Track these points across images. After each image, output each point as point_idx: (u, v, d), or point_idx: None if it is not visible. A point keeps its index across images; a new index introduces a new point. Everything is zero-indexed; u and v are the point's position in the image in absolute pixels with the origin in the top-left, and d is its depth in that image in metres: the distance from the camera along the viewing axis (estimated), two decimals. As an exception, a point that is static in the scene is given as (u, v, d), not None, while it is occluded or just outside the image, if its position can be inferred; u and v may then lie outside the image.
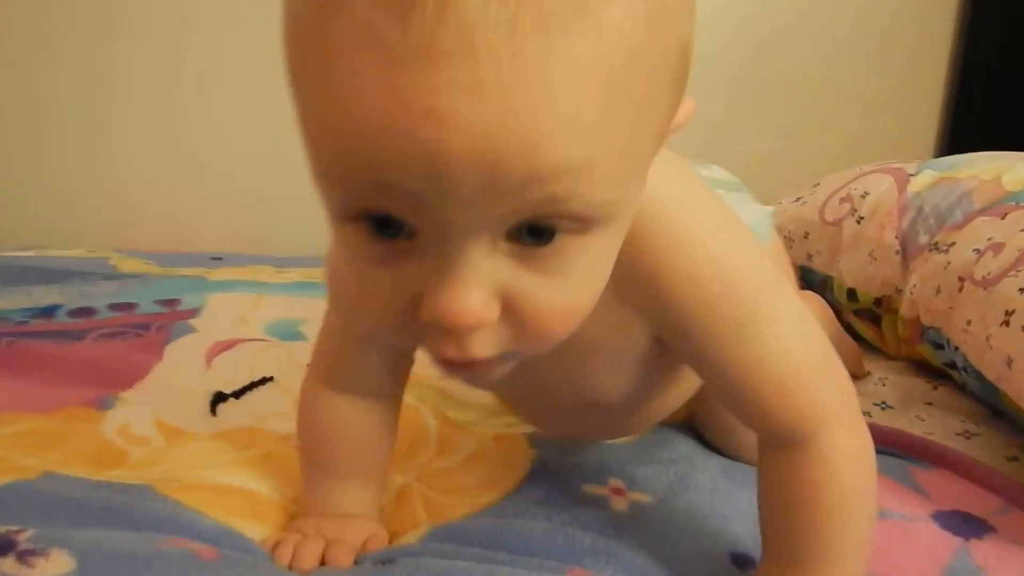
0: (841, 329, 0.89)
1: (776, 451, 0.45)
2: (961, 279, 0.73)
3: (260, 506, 0.56)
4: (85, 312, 0.88)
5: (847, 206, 0.96)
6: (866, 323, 0.93)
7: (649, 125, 0.32)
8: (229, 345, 0.82)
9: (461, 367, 0.35)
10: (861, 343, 0.93)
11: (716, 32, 1.31)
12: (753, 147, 1.37)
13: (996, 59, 1.30)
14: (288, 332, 0.87)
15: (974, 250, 0.73)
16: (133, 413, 0.66)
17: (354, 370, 0.55)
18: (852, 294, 0.93)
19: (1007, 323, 0.64)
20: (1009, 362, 0.63)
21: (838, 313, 0.97)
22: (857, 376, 0.85)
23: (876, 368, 0.88)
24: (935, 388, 0.82)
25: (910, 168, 0.95)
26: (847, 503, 0.44)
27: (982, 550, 0.55)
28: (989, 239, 0.73)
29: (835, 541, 0.45)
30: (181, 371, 0.75)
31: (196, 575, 0.44)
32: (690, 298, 0.41)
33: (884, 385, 0.83)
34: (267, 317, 0.91)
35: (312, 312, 0.93)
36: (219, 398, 0.70)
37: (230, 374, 0.75)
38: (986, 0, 1.27)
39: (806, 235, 1.02)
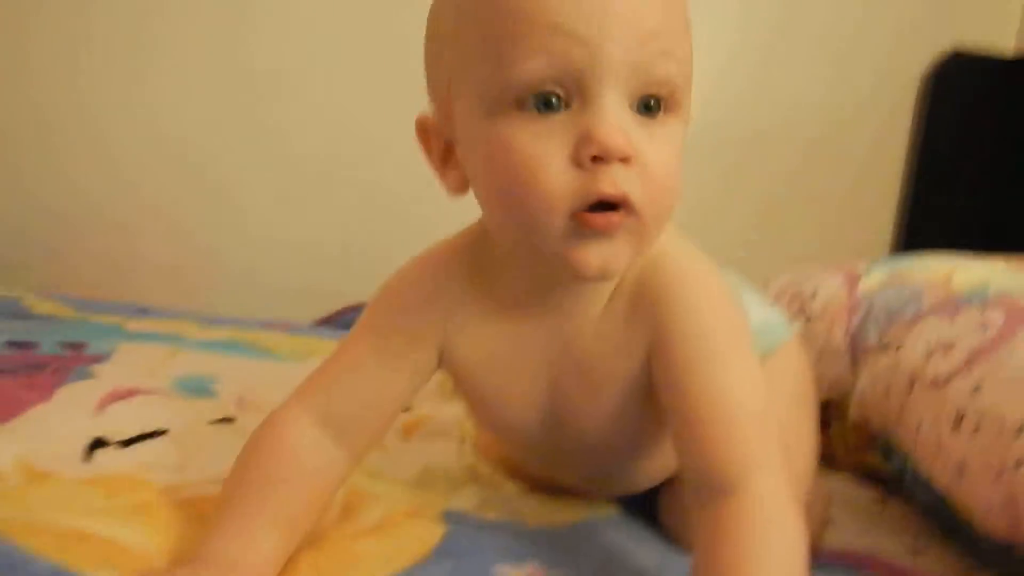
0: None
1: (708, 501, 0.48)
2: (911, 380, 0.70)
3: (118, 555, 0.49)
4: (-23, 348, 0.81)
5: (797, 304, 0.94)
6: (814, 427, 0.89)
7: (690, 52, 0.47)
8: (127, 394, 0.75)
9: (607, 222, 0.44)
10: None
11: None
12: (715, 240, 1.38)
13: (951, 164, 1.32)
14: (198, 387, 0.80)
15: (925, 350, 0.70)
16: (-6, 449, 0.58)
17: (351, 395, 0.54)
18: (800, 396, 0.89)
19: (958, 427, 0.60)
20: (961, 468, 0.59)
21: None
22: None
23: (824, 480, 0.83)
24: (884, 502, 0.77)
25: (860, 267, 0.93)
26: (766, 549, 0.45)
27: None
28: (939, 339, 0.70)
29: None
30: (64, 413, 0.68)
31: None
32: (679, 321, 0.50)
33: (831, 499, 0.78)
34: (179, 371, 0.84)
35: (232, 371, 0.87)
36: (98, 444, 0.63)
37: (120, 423, 0.68)
38: (941, 105, 1.29)
39: (756, 334, 0.99)
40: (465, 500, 0.65)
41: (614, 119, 0.43)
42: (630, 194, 0.44)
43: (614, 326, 0.52)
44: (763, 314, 0.69)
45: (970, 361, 0.64)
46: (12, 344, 0.83)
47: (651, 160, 0.44)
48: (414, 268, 0.56)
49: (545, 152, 0.43)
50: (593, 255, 0.45)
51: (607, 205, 0.44)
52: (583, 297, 0.52)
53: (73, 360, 0.82)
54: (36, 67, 1.30)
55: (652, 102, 0.45)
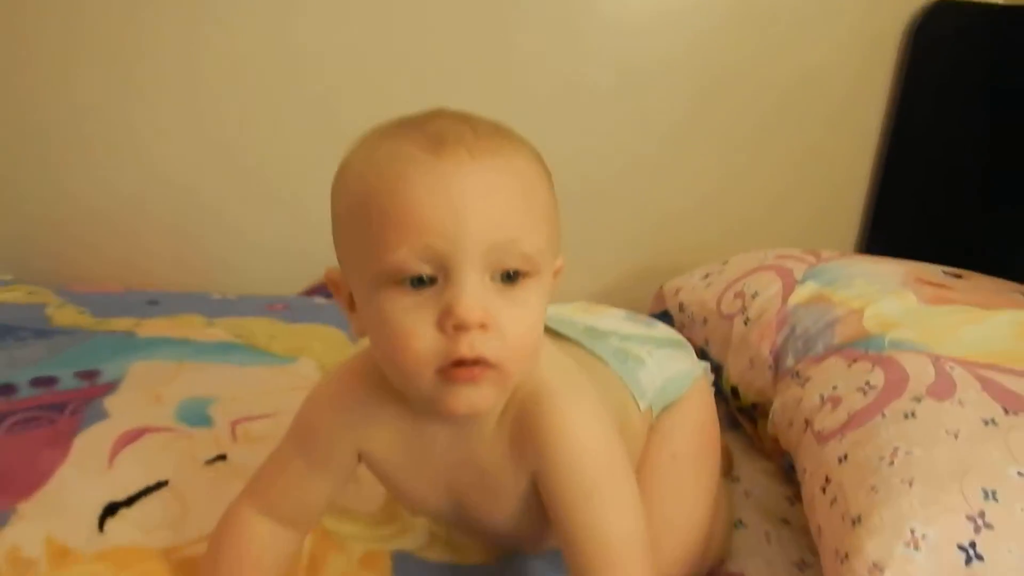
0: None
1: None
2: (807, 422, 0.78)
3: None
4: (7, 390, 0.94)
5: (739, 303, 1.01)
6: (746, 420, 0.99)
7: (549, 229, 0.56)
8: (135, 436, 0.88)
9: (469, 375, 0.52)
10: (742, 435, 1.00)
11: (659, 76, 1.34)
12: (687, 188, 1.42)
13: (932, 119, 1.31)
14: (197, 416, 0.93)
15: (820, 396, 0.78)
16: (26, 531, 0.72)
17: (289, 503, 0.66)
18: (735, 391, 0.98)
19: (824, 490, 0.69)
20: (819, 532, 0.68)
21: (726, 403, 1.03)
22: (726, 474, 0.91)
23: (747, 472, 0.94)
24: (792, 504, 0.87)
25: (798, 272, 0.99)
26: None
27: None
28: (834, 388, 0.77)
29: None
30: (82, 473, 0.81)
31: None
32: (557, 454, 0.58)
33: (748, 497, 0.89)
34: (180, 394, 0.97)
35: (225, 388, 1.00)
36: (109, 511, 0.76)
37: (128, 476, 0.81)
38: (925, 56, 1.27)
39: (705, 321, 1.06)
40: (413, 540, 0.77)
41: (471, 295, 0.51)
42: (486, 354, 0.52)
43: (503, 445, 0.60)
44: (666, 373, 0.77)
45: (846, 426, 0.72)
46: (35, 382, 0.96)
47: (507, 325, 0.53)
48: (332, 383, 0.66)
49: (415, 322, 0.52)
50: (459, 401, 0.54)
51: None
52: (472, 418, 0.60)
53: (88, 393, 0.95)
54: (80, 67, 1.32)
55: (511, 273, 0.53)
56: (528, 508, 0.63)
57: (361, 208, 0.54)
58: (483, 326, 0.52)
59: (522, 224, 0.53)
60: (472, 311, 0.51)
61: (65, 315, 1.15)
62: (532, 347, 0.55)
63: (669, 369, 0.78)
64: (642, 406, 0.74)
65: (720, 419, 1.02)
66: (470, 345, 0.51)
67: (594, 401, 0.61)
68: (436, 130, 0.53)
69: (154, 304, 1.23)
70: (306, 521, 0.68)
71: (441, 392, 0.54)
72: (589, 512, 0.58)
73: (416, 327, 0.52)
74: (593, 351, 0.75)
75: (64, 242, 1.40)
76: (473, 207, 0.51)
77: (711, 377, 0.85)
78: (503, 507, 0.64)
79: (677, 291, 1.15)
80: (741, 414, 0.99)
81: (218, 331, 1.15)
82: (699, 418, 0.79)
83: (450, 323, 0.51)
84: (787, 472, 0.92)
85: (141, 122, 1.36)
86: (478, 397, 0.54)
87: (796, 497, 0.88)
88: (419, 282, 0.52)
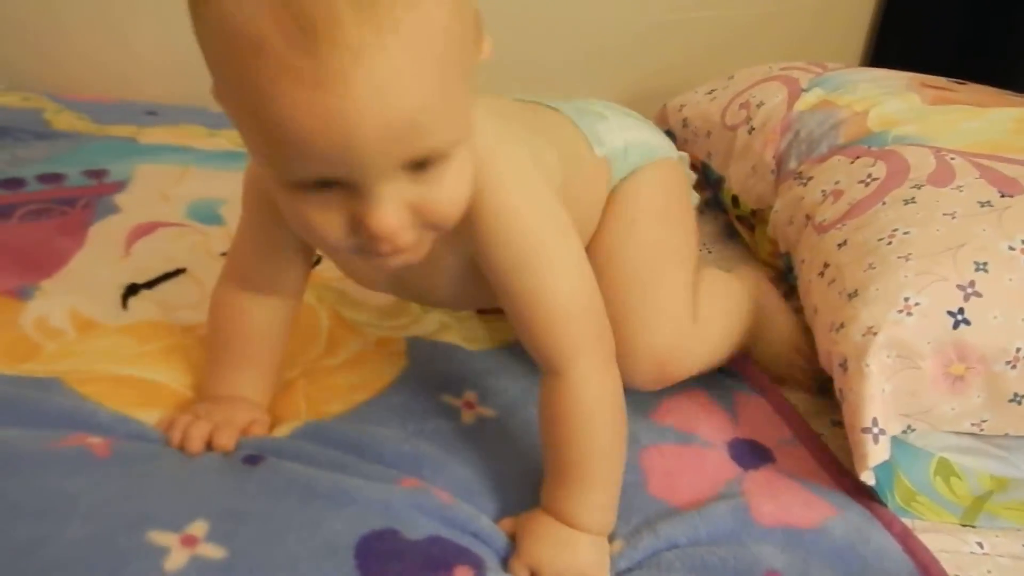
0: (782, 301, 0.85)
1: (544, 378, 0.58)
2: (807, 217, 0.81)
3: (156, 394, 0.66)
4: (14, 184, 0.94)
5: (744, 113, 1.01)
6: (745, 228, 1.01)
7: (458, 90, 0.46)
8: (149, 229, 0.89)
9: (395, 252, 0.48)
10: (739, 243, 1.03)
11: None
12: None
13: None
14: (207, 214, 0.94)
15: (822, 191, 0.80)
16: (51, 304, 0.74)
17: (261, 270, 0.65)
18: (736, 200, 1.00)
19: (822, 274, 0.72)
20: (815, 311, 0.72)
21: (725, 213, 1.05)
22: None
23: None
24: (788, 300, 0.91)
25: (804, 81, 0.98)
26: (590, 425, 0.56)
27: (753, 479, 0.65)
28: (836, 183, 0.79)
29: (583, 456, 0.56)
30: (100, 258, 0.83)
31: (86, 474, 0.54)
32: (491, 231, 0.55)
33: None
34: (189, 195, 0.98)
35: (234, 191, 1.00)
36: (131, 291, 0.78)
37: (146, 263, 0.83)
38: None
39: (708, 134, 1.07)
40: (427, 326, 0.81)
41: (383, 208, 0.45)
42: (407, 244, 0.48)
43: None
44: (629, 135, 0.74)
45: (847, 215, 0.74)
46: (42, 178, 0.96)
47: (427, 204, 0.47)
48: None
49: (327, 222, 0.47)
50: (391, 262, 0.50)
51: None
52: None
53: (97, 190, 0.96)
54: None
55: (423, 161, 0.46)
56: (466, 284, 0.62)
57: (233, 81, 0.43)
58: (402, 229, 0.47)
59: (434, 116, 0.44)
60: (385, 225, 0.46)
61: (64, 120, 1.14)
62: (459, 209, 0.50)
63: (634, 134, 0.75)
64: (598, 152, 0.72)
65: (718, 231, 1.07)
66: (391, 246, 0.48)
67: (525, 169, 0.58)
68: (302, 8, 0.39)
69: (152, 114, 1.21)
70: (285, 287, 0.66)
71: (369, 259, 0.50)
72: (526, 279, 0.56)
73: (328, 225, 0.47)
74: (550, 105, 0.73)
75: (53, 48, 1.36)
76: (369, 124, 0.42)
77: (687, 164, 0.83)
78: (441, 286, 0.63)
79: (681, 107, 1.15)
80: (740, 222, 1.02)
81: (221, 141, 1.14)
82: (665, 187, 0.75)
83: (365, 234, 0.47)
84: (783, 275, 0.95)
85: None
86: (410, 256, 0.51)
87: (788, 296, 0.92)
88: (323, 184, 0.45)
